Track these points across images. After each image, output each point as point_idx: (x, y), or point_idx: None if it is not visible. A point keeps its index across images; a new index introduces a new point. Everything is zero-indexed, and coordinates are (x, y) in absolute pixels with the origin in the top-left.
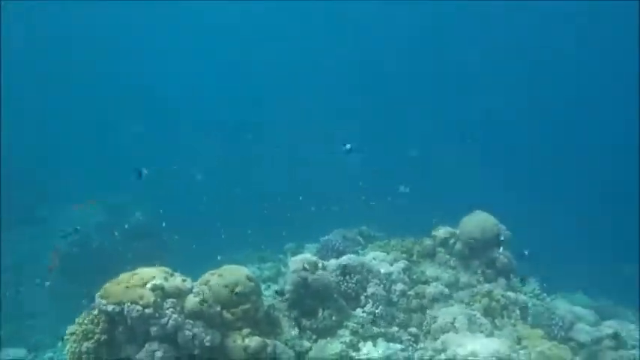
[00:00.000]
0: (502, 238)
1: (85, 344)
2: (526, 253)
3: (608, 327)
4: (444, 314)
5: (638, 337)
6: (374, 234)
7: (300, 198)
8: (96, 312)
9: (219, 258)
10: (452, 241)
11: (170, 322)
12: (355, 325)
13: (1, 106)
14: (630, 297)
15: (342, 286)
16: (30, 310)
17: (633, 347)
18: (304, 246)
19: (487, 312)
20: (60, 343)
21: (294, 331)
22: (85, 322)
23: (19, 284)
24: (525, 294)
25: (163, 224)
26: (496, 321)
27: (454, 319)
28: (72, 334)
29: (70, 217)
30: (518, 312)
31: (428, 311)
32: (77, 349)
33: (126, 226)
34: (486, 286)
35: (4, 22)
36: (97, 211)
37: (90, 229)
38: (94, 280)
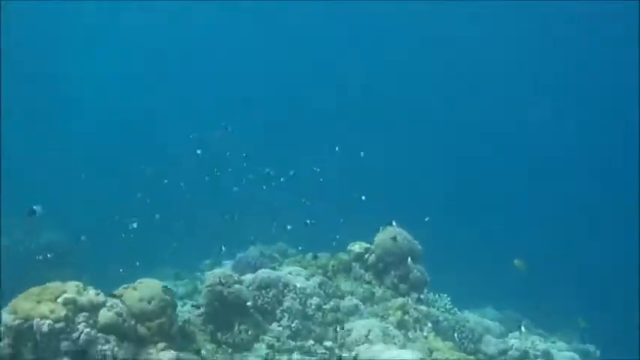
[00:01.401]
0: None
1: None
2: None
3: (514, 338)
4: (358, 327)
5: (541, 348)
6: (291, 250)
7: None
8: (2, 328)
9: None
10: (367, 255)
11: (82, 336)
12: (271, 338)
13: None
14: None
15: (258, 301)
16: None
17: (536, 357)
18: (221, 263)
19: (400, 325)
20: None
21: (210, 346)
22: None
23: None
24: (437, 308)
25: (82, 237)
26: (409, 334)
27: (368, 331)
28: None
29: None
30: (430, 325)
31: (343, 324)
32: None
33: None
34: (399, 300)
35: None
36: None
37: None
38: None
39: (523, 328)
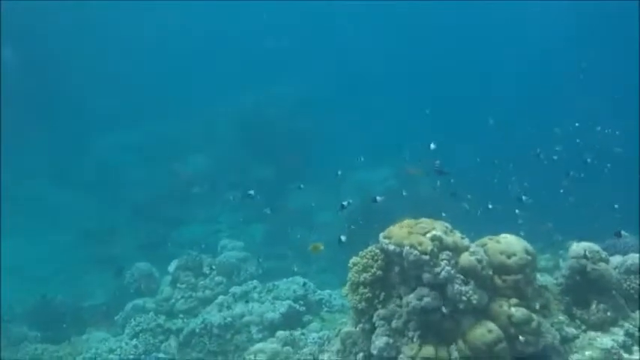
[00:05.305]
0: None
1: (364, 275)
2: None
3: None
4: None
5: None
6: None
7: None
8: (377, 249)
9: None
10: None
11: (443, 272)
12: (632, 327)
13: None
14: None
15: (624, 284)
16: None
17: None
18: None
19: None
20: None
21: (563, 317)
22: (367, 256)
23: None
24: None
25: None
26: None
27: None
28: (354, 264)
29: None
30: None
31: None
32: (356, 279)
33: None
34: None
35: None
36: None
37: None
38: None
39: None
